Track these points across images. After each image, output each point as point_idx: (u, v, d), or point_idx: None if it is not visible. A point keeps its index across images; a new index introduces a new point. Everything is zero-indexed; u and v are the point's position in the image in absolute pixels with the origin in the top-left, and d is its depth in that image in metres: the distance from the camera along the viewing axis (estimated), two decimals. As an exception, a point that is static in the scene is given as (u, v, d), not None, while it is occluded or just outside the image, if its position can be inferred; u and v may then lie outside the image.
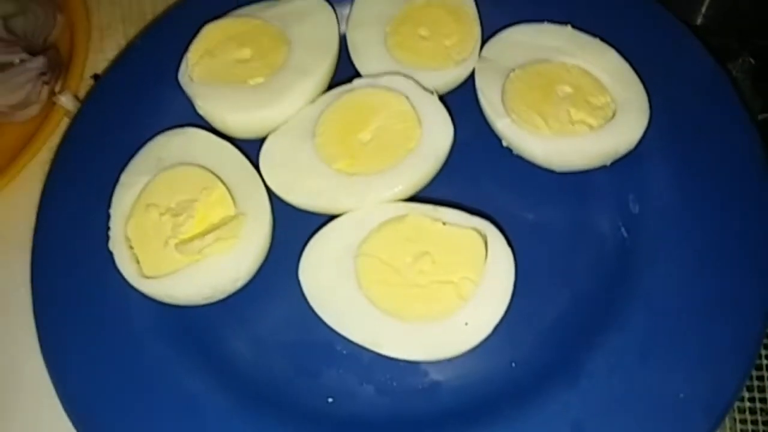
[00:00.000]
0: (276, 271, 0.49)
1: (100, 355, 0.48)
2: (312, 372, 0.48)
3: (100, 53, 0.67)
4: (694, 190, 0.48)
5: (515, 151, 0.51)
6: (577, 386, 0.43)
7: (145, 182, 0.51)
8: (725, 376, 0.42)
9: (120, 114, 0.58)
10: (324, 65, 0.55)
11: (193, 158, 0.52)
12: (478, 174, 0.53)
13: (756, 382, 0.47)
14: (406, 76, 0.52)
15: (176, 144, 0.53)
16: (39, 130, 0.61)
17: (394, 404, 0.46)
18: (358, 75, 0.55)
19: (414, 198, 0.49)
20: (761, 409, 0.47)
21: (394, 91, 0.51)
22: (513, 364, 0.46)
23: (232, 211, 0.49)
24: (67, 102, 0.62)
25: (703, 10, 0.56)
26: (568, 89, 0.50)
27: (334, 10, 0.58)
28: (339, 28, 0.58)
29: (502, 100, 0.51)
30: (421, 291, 0.44)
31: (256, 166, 0.51)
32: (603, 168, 0.50)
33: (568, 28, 0.53)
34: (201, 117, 0.54)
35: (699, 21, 0.57)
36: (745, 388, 0.47)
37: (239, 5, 0.58)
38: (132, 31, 0.68)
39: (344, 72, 0.56)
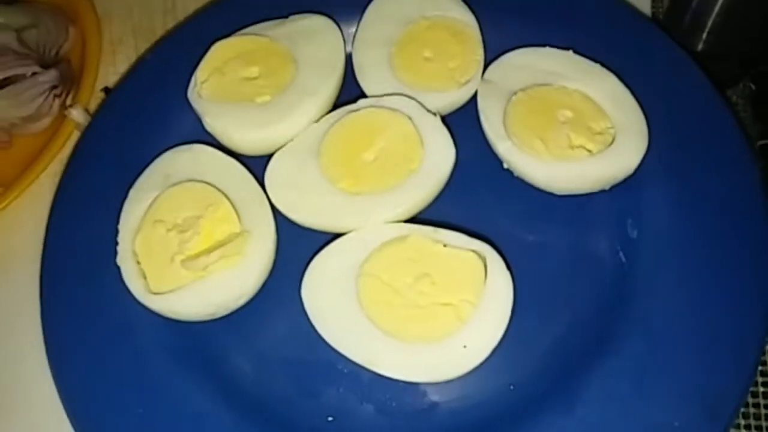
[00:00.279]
0: (279, 288, 0.50)
1: (105, 368, 0.49)
2: (313, 390, 0.48)
3: (111, 67, 0.69)
4: (692, 216, 0.49)
5: (516, 174, 0.52)
6: (572, 412, 0.44)
7: (153, 198, 0.52)
8: (720, 404, 0.42)
9: (129, 129, 0.59)
10: (330, 85, 0.56)
11: (200, 175, 0.53)
12: (479, 195, 0.54)
13: (752, 409, 0.48)
14: (409, 97, 0.53)
15: (184, 160, 0.54)
16: (50, 142, 0.63)
17: (393, 424, 0.47)
18: (363, 95, 0.56)
19: (416, 218, 0.50)
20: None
21: (397, 112, 0.52)
22: (511, 387, 0.47)
23: (237, 228, 0.50)
24: (77, 115, 0.63)
25: (704, 36, 0.56)
26: (568, 113, 0.51)
27: (341, 30, 0.59)
28: (345, 47, 0.59)
29: (504, 123, 0.51)
30: (421, 312, 0.45)
31: (262, 183, 0.52)
32: (602, 192, 0.50)
33: (570, 53, 0.54)
34: (209, 133, 0.55)
35: (700, 47, 0.57)
36: (740, 415, 0.47)
37: (248, 23, 0.59)
38: (143, 45, 0.69)
39: (350, 91, 0.57)
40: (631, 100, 0.51)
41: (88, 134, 0.60)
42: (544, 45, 0.55)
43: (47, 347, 0.50)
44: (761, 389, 0.48)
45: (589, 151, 0.49)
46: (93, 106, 0.65)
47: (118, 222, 0.51)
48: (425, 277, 0.46)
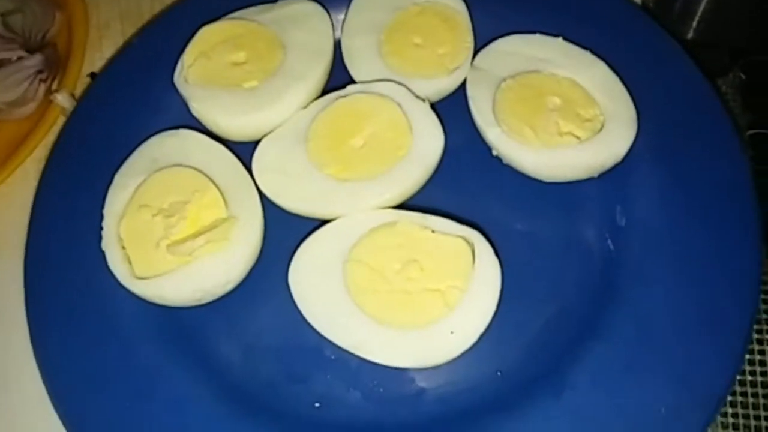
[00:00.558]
0: (266, 274, 0.50)
1: (90, 354, 0.49)
2: (300, 376, 0.48)
3: (97, 52, 0.68)
4: (680, 203, 0.49)
5: (505, 161, 0.52)
6: (560, 397, 0.44)
7: (138, 183, 0.51)
8: (707, 391, 0.42)
9: (116, 114, 0.58)
10: (318, 70, 0.55)
11: (187, 160, 0.52)
12: (467, 182, 0.53)
13: (739, 398, 0.48)
14: (398, 83, 0.53)
15: (170, 145, 0.53)
16: (35, 127, 0.62)
17: (381, 410, 0.47)
18: (351, 81, 0.56)
19: (404, 204, 0.50)
20: (744, 425, 0.47)
21: (386, 98, 0.52)
22: (498, 373, 0.47)
23: (223, 214, 0.49)
24: (63, 100, 0.62)
25: (694, 24, 0.56)
26: (557, 101, 0.51)
27: (329, 15, 0.59)
28: (334, 33, 0.58)
29: (493, 110, 0.51)
30: (409, 298, 0.45)
31: (250, 169, 0.52)
32: (591, 179, 0.50)
33: (560, 39, 0.53)
34: (196, 118, 0.54)
35: (690, 35, 0.57)
36: (727, 403, 0.47)
37: (236, 8, 0.59)
38: (130, 30, 0.68)
39: (338, 77, 0.57)
40: (620, 88, 0.51)
41: (73, 119, 0.59)
42: (534, 32, 0.55)
43: (31, 333, 0.50)
44: (749, 378, 0.49)
45: (578, 138, 0.49)
46: (79, 91, 0.65)
47: (103, 207, 0.51)
48: (413, 263, 0.46)
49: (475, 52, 0.55)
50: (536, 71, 0.52)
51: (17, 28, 0.65)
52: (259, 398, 0.47)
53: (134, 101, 0.58)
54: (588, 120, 0.50)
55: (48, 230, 0.53)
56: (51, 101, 0.63)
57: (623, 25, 0.55)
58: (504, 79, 0.52)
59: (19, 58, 0.63)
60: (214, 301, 0.49)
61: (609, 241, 0.50)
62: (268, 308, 0.50)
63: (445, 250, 0.46)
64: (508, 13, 0.57)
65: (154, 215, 0.49)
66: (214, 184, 0.50)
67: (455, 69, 0.54)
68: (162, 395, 0.47)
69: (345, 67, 0.57)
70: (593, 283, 0.49)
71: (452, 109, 0.53)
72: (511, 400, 0.46)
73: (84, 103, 0.60)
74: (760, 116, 0.59)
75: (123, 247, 0.49)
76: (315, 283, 0.47)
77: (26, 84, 0.62)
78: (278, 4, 0.59)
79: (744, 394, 0.48)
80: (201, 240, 0.47)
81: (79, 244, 0.51)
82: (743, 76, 0.61)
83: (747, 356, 0.49)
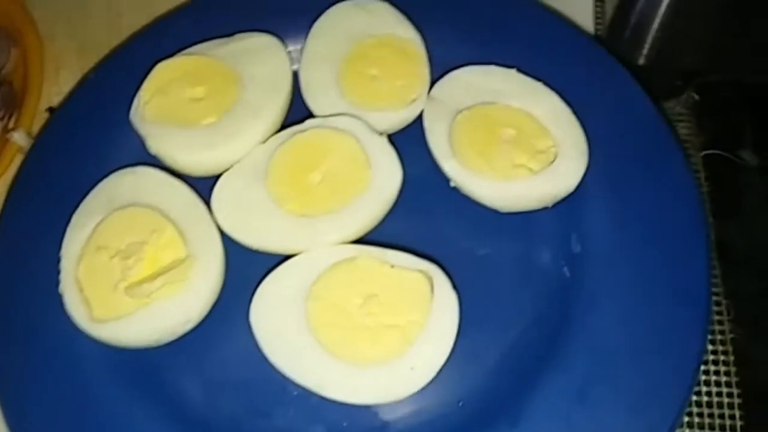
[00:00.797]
0: (228, 311, 0.49)
1: (51, 397, 0.48)
2: (263, 412, 0.48)
3: (54, 86, 0.67)
4: (632, 230, 0.50)
5: (463, 192, 0.52)
6: (518, 426, 0.44)
7: (96, 223, 0.51)
8: (660, 418, 0.43)
9: (74, 152, 0.57)
10: (276, 105, 0.56)
11: (145, 198, 0.52)
12: (427, 213, 0.54)
13: (696, 419, 0.49)
14: (356, 117, 0.53)
15: (128, 183, 0.53)
16: (-8, 166, 0.61)
17: (345, 445, 0.47)
18: (310, 113, 0.56)
19: (364, 238, 0.50)
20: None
21: (344, 132, 0.52)
22: (461, 403, 0.47)
23: (182, 254, 0.49)
24: (20, 138, 0.61)
25: (645, 51, 0.57)
26: (512, 132, 0.52)
27: (286, 48, 0.59)
28: (291, 65, 0.58)
29: (449, 142, 0.52)
30: (369, 334, 0.45)
31: (209, 205, 0.52)
32: (547, 208, 0.51)
33: (514, 71, 0.54)
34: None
35: (641, 62, 0.58)
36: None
37: (192, 42, 0.59)
38: (88, 62, 0.67)
39: (298, 109, 0.57)
40: (572, 119, 0.52)
41: (31, 158, 0.58)
42: (489, 63, 0.55)
43: (-10, 378, 0.49)
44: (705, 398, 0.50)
45: (531, 169, 0.50)
46: (37, 126, 0.64)
47: (60, 249, 0.51)
48: (373, 298, 0.46)
49: (432, 83, 0.56)
50: (491, 103, 0.53)
51: (-28, 67, 0.64)
52: (222, 435, 0.47)
53: (92, 138, 0.58)
54: (541, 151, 0.50)
55: (4, 274, 0.53)
56: (7, 140, 0.62)
57: (575, 55, 0.56)
58: (460, 111, 0.53)
59: (-25, 97, 0.62)
60: (175, 340, 0.49)
61: (565, 269, 0.51)
62: (230, 345, 0.50)
63: (404, 285, 0.46)
64: (463, 44, 0.58)
65: (112, 257, 0.49)
66: (172, 222, 0.50)
67: (413, 101, 0.55)
68: (125, 433, 0.47)
69: (303, 99, 0.57)
70: (550, 311, 0.49)
71: (411, 140, 0.54)
72: (473, 430, 0.46)
73: (41, 141, 0.59)
74: (713, 137, 0.61)
75: (81, 290, 0.49)
76: (276, 320, 0.47)
77: (-18, 123, 0.62)
78: (234, 37, 0.59)
79: (700, 414, 0.49)
80: (159, 282, 0.47)
81: (37, 288, 0.51)
82: (696, 97, 0.62)
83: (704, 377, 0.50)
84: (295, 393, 0.48)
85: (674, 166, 0.51)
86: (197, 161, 0.53)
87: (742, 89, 0.62)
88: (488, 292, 0.50)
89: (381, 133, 0.53)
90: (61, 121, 0.60)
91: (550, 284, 0.50)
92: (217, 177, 0.53)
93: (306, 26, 0.60)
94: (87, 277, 0.49)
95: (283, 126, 0.55)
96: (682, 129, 0.61)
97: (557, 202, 0.51)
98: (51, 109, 0.65)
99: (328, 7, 0.60)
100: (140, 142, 0.54)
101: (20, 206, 0.56)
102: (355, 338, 0.45)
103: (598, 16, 0.65)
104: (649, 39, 0.57)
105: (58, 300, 0.49)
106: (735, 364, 0.51)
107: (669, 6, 0.53)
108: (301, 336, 0.46)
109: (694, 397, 0.49)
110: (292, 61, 0.59)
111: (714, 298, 0.52)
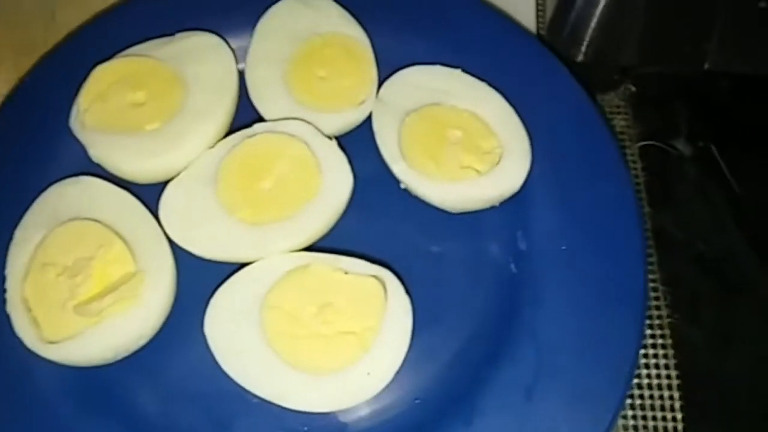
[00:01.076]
0: (182, 324, 0.49)
1: (7, 418, 0.47)
2: (223, 423, 0.48)
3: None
4: (573, 227, 0.51)
5: (412, 193, 0.53)
6: (471, 424, 0.46)
7: (40, 238, 0.49)
8: (604, 409, 0.45)
9: (12, 162, 0.55)
10: (223, 107, 0.55)
11: (90, 210, 0.51)
12: (378, 216, 0.54)
13: (637, 401, 0.52)
14: (305, 121, 0.53)
15: (72, 194, 0.52)
16: None
17: (306, 450, 0.48)
18: (258, 115, 0.55)
19: (317, 244, 0.51)
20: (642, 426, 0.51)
21: (293, 137, 0.52)
22: (417, 401, 0.49)
23: (131, 268, 0.48)
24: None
25: (584, 48, 0.59)
26: (459, 134, 0.52)
27: (231, 48, 0.58)
28: (237, 64, 0.57)
29: (398, 144, 0.52)
30: (325, 342, 0.46)
31: (158, 214, 0.51)
32: (494, 207, 0.53)
33: (459, 71, 0.55)
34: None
35: (580, 58, 0.60)
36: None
37: (131, 43, 0.57)
38: (25, 62, 0.64)
39: (245, 111, 0.56)
40: (515, 119, 0.53)
41: (-35, 168, 0.56)
42: (434, 62, 0.56)
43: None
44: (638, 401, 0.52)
45: (478, 171, 0.51)
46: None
47: (4, 267, 0.49)
48: (328, 306, 0.47)
49: (380, 83, 0.56)
50: (438, 103, 0.54)
51: None
52: (183, 449, 0.47)
53: (31, 146, 0.56)
54: (487, 152, 0.52)
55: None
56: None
57: (517, 54, 0.57)
58: (408, 113, 0.53)
59: None
60: (130, 355, 0.48)
61: (512, 265, 0.52)
62: (186, 358, 0.50)
63: (358, 291, 0.47)
64: (409, 43, 0.58)
65: (59, 274, 0.48)
66: (120, 236, 0.49)
67: (361, 102, 0.55)
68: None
69: (251, 101, 0.56)
70: (498, 308, 0.51)
71: (360, 142, 0.54)
72: (430, 427, 0.47)
73: (-25, 151, 0.57)
74: (649, 128, 0.63)
75: (29, 309, 0.47)
76: (231, 331, 0.47)
77: None
78: (175, 37, 0.57)
79: (641, 407, 0.52)
80: (109, 299, 0.46)
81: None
82: (633, 89, 0.65)
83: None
84: (254, 401, 0.48)
85: (609, 162, 0.53)
86: (143, 169, 0.52)
87: (676, 81, 0.64)
88: (441, 291, 0.52)
89: (331, 137, 0.53)
90: (-4, 129, 0.57)
91: (499, 282, 0.52)
92: (165, 183, 0.52)
93: (251, 22, 0.59)
94: (34, 296, 0.48)
95: (231, 129, 0.55)
96: (620, 121, 0.63)
97: (504, 201, 0.52)
98: (-16, 114, 0.62)
99: (272, 4, 0.59)
100: (83, 150, 0.53)
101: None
102: (311, 347, 0.46)
103: (540, 15, 0.66)
104: (587, 37, 0.58)
105: (5, 321, 0.47)
106: (672, 347, 0.54)
107: (606, 5, 0.55)
108: (257, 347, 0.46)
109: (636, 380, 0.52)
110: (237, 59, 0.58)
111: (651, 284, 0.55)
